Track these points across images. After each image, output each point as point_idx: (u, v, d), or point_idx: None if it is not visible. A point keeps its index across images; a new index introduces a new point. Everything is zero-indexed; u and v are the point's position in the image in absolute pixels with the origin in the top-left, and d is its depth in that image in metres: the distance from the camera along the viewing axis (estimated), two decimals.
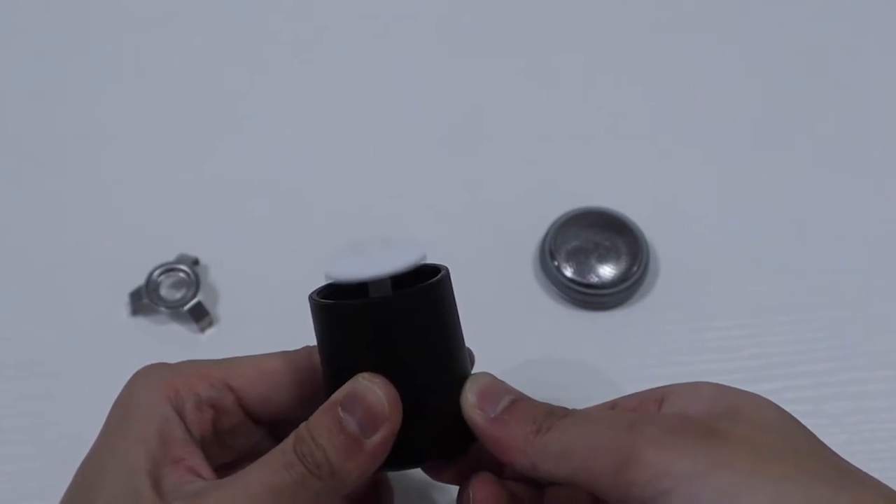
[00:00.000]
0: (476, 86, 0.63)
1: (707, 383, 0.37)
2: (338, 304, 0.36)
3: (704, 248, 0.56)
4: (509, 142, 0.60)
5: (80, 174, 0.59)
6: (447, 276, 0.38)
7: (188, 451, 0.36)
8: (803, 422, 0.35)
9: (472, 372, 0.38)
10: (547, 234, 0.55)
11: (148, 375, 0.38)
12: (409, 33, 0.65)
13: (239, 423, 0.38)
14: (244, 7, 0.67)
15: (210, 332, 0.53)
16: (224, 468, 0.38)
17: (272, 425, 0.40)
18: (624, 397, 0.39)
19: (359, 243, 0.37)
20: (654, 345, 0.52)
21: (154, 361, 0.51)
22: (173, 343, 0.53)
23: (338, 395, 0.34)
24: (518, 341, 0.52)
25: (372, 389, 0.34)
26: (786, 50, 0.64)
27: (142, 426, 0.35)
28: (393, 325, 0.35)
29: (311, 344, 0.38)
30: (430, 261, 0.42)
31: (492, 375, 0.37)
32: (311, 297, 0.37)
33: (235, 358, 0.39)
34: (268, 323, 0.53)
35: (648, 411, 0.37)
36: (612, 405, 0.39)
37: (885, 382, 0.51)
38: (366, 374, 0.34)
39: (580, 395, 0.43)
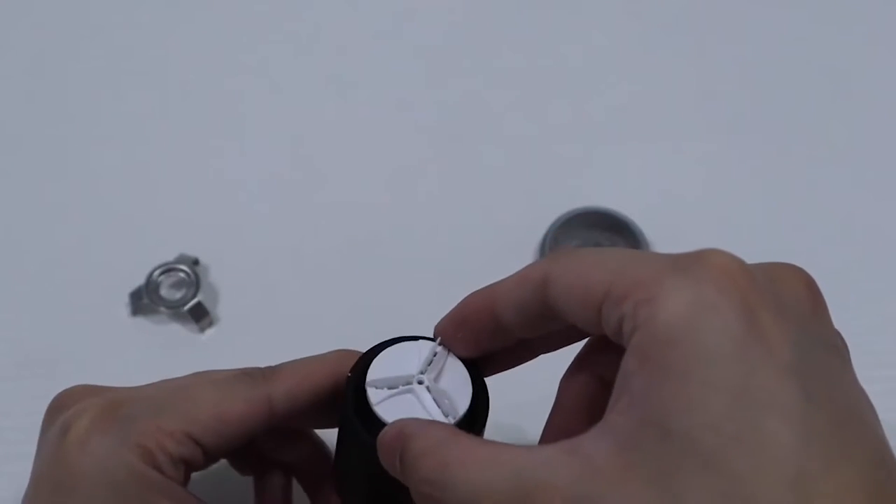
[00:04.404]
0: (476, 85, 0.63)
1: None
2: None
3: (705, 247, 0.56)
4: (510, 141, 0.60)
5: (80, 174, 0.59)
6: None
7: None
8: None
9: None
10: (547, 234, 0.55)
11: (102, 442, 0.35)
12: (410, 31, 0.65)
13: (204, 465, 0.37)
14: (244, 7, 0.67)
15: (210, 332, 0.53)
16: None
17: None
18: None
19: (399, 380, 0.35)
20: None
21: (154, 361, 0.51)
22: (173, 343, 0.53)
23: None
24: None
25: None
26: (787, 49, 0.64)
27: (138, 494, 0.34)
28: None
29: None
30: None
31: None
32: (358, 433, 0.34)
33: (188, 396, 0.37)
34: (268, 323, 0.53)
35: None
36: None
37: (885, 382, 0.51)
38: None
39: None
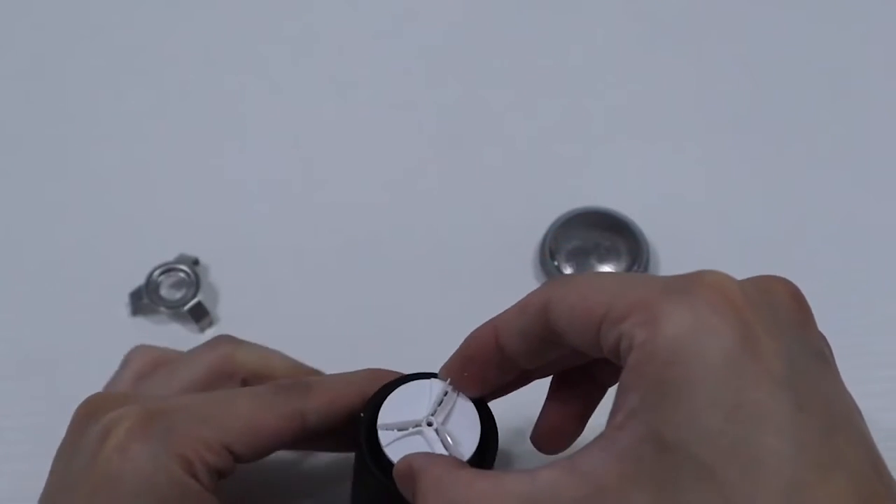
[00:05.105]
0: (476, 85, 0.63)
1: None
2: None
3: (705, 248, 0.56)
4: (510, 141, 0.60)
5: (80, 174, 0.59)
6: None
7: None
8: None
9: None
10: (547, 234, 0.55)
11: (143, 450, 0.35)
12: (410, 31, 0.65)
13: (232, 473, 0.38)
14: (244, 7, 0.67)
15: (210, 332, 0.53)
16: None
17: None
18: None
19: (409, 422, 0.36)
20: None
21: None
22: (173, 343, 0.52)
23: None
24: None
25: None
26: (787, 49, 0.64)
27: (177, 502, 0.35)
28: None
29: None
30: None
31: None
32: (370, 472, 0.36)
33: (225, 407, 0.38)
34: (268, 323, 0.53)
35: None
36: None
37: (885, 382, 0.51)
38: None
39: None
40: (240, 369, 0.43)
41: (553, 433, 0.38)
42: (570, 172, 0.59)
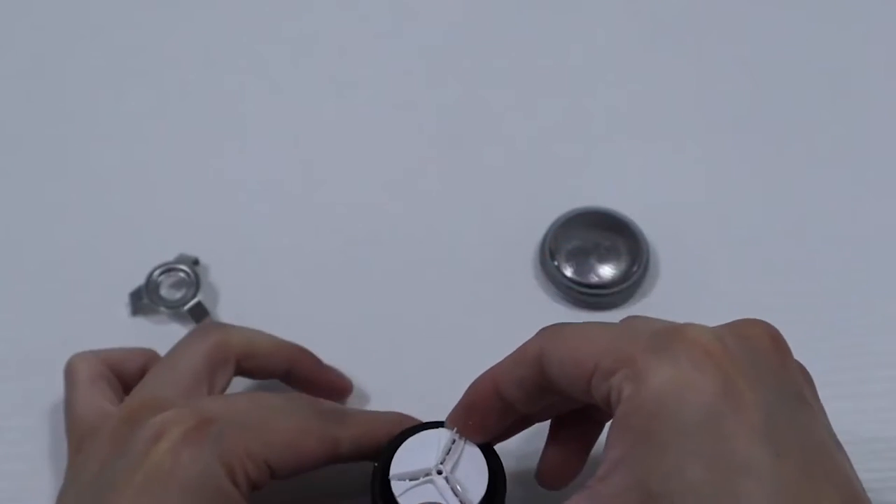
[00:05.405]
0: (476, 85, 0.63)
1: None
2: None
3: (705, 248, 0.56)
4: (509, 141, 0.60)
5: (80, 174, 0.59)
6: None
7: None
8: None
9: None
10: (547, 234, 0.55)
11: (195, 454, 0.36)
12: (410, 31, 0.65)
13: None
14: (244, 7, 0.67)
15: None
16: None
17: None
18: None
19: (419, 472, 0.38)
20: None
21: None
22: (173, 343, 0.52)
23: None
24: (518, 342, 0.52)
25: None
26: (787, 49, 0.64)
27: None
28: None
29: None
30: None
31: None
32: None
33: (270, 423, 0.39)
34: (268, 323, 0.53)
35: None
36: None
37: (885, 382, 0.51)
38: None
39: None
40: (232, 352, 0.44)
41: (556, 471, 0.40)
42: (570, 172, 0.59)
